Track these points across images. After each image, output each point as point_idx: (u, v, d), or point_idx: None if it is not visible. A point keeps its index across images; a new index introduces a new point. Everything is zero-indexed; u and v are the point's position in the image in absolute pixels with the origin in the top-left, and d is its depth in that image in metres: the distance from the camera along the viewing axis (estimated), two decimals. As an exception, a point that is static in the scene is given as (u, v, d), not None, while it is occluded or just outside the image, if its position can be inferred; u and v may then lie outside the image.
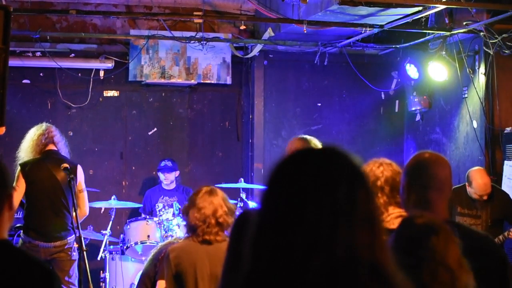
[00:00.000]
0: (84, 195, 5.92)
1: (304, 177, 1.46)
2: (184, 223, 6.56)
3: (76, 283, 5.72)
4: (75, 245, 5.74)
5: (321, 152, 1.52)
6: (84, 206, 5.90)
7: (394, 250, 2.15)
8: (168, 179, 7.59)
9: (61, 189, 5.72)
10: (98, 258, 6.72)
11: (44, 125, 5.97)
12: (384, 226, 3.02)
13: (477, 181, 5.98)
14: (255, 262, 1.45)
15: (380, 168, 3.12)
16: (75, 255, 5.74)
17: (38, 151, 5.81)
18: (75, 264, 5.75)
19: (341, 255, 1.39)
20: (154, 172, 8.00)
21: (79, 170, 5.90)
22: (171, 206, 7.30)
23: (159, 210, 7.46)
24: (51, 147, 5.86)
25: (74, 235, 5.73)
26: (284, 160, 1.52)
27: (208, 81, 8.27)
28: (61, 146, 5.96)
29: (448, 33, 7.36)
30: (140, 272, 6.48)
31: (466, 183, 6.07)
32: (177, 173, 7.67)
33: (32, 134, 5.90)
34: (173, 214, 6.79)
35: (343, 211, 1.42)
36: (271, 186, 1.50)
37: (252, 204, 6.86)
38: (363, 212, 1.45)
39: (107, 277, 6.68)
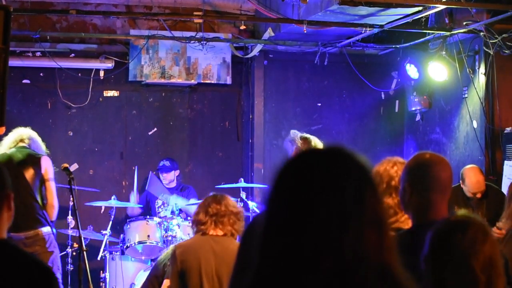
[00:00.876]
0: (51, 185, 5.81)
1: (311, 178, 1.44)
2: (185, 223, 6.63)
3: (58, 275, 5.71)
4: (52, 236, 5.74)
5: (327, 153, 1.51)
6: (52, 198, 5.83)
7: (428, 248, 2.10)
8: (166, 179, 7.64)
9: (25, 179, 5.70)
10: (98, 258, 6.72)
11: (21, 129, 6.05)
12: (398, 226, 2.99)
13: (470, 178, 6.03)
14: (262, 263, 1.44)
15: (394, 168, 3.09)
16: (52, 246, 5.73)
17: (8, 147, 5.92)
18: (54, 256, 5.74)
19: (349, 256, 1.38)
20: (154, 172, 7.98)
21: (44, 160, 5.88)
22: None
23: (158, 207, 7.46)
24: (21, 144, 5.93)
25: (48, 226, 5.72)
26: (290, 160, 1.50)
27: (208, 81, 8.26)
28: (34, 145, 5.99)
29: (448, 33, 7.36)
30: (141, 272, 6.55)
31: (460, 181, 6.10)
32: (177, 172, 7.71)
33: (8, 137, 5.97)
34: (172, 212, 6.80)
35: (351, 212, 1.41)
36: (277, 187, 1.48)
37: (252, 204, 6.86)
38: (371, 213, 1.43)
39: (107, 277, 6.68)
